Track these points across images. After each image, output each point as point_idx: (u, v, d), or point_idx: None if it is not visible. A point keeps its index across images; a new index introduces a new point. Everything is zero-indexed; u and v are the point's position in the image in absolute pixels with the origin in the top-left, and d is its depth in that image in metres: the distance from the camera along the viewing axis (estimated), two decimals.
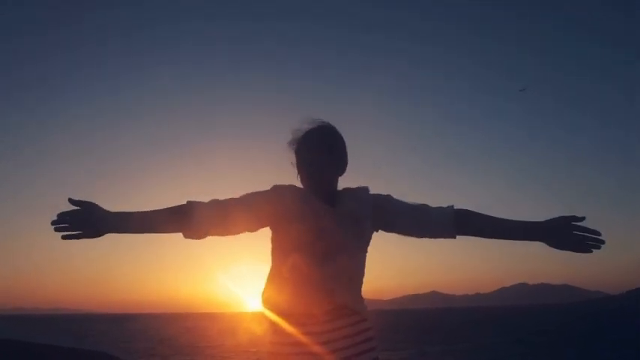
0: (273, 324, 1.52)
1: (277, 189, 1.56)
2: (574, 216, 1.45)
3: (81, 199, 1.42)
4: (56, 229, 1.40)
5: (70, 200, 1.41)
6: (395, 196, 1.58)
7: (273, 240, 1.56)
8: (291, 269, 1.48)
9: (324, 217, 1.50)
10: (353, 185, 1.61)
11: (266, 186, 1.58)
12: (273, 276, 1.55)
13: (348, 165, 1.60)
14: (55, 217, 1.40)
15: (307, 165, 1.53)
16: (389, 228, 1.57)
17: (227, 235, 1.53)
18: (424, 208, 1.54)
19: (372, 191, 1.59)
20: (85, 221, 1.41)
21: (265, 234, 1.59)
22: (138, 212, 1.47)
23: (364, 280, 1.57)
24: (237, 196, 1.54)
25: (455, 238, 1.54)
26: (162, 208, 1.49)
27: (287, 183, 1.58)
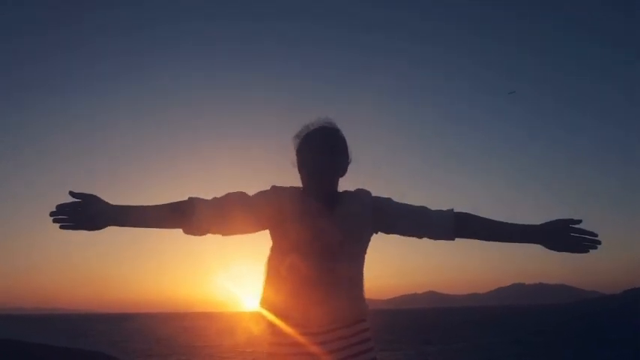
0: (270, 324, 1.52)
1: (277, 190, 1.56)
2: (571, 219, 1.50)
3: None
4: (54, 221, 1.39)
5: (71, 193, 1.40)
6: (395, 198, 1.60)
7: (272, 240, 1.57)
8: (289, 269, 1.49)
9: (323, 218, 1.50)
10: (354, 186, 1.61)
11: (266, 185, 1.58)
12: (271, 276, 1.55)
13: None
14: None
15: (308, 166, 1.53)
16: (389, 230, 1.58)
17: (226, 234, 1.53)
18: (424, 210, 1.56)
19: (373, 193, 1.60)
20: (84, 213, 1.40)
21: (264, 233, 1.59)
22: (139, 206, 1.48)
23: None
24: (237, 192, 1.55)
25: (454, 240, 1.57)
26: (163, 203, 1.50)
27: (287, 182, 1.59)
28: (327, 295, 1.48)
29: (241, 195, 1.54)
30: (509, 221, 1.57)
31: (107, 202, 1.44)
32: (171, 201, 1.51)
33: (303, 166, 1.54)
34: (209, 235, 1.53)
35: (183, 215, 1.47)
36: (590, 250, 1.49)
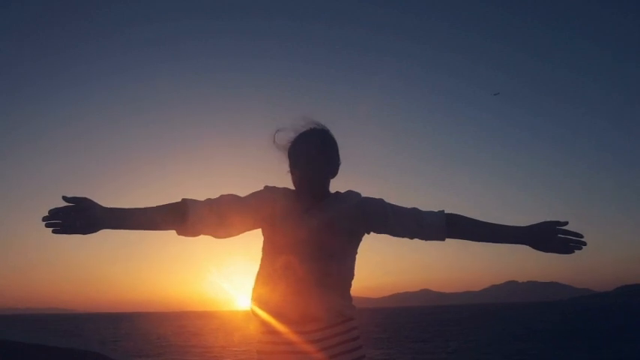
0: (263, 323, 1.54)
1: (269, 190, 1.57)
2: (557, 221, 1.54)
3: (75, 195, 1.40)
4: (47, 226, 1.37)
5: (64, 198, 1.38)
6: (388, 199, 1.61)
7: (264, 240, 1.58)
8: (283, 269, 1.50)
9: (315, 218, 1.52)
10: (347, 187, 1.63)
11: (260, 186, 1.59)
12: (263, 275, 1.56)
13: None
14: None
15: (299, 167, 1.54)
16: (380, 231, 1.60)
17: (220, 237, 1.53)
18: (415, 211, 1.58)
19: (367, 193, 1.62)
20: (77, 218, 1.39)
21: (257, 233, 1.60)
22: (132, 209, 1.47)
23: (354, 280, 1.60)
24: (230, 194, 1.55)
25: (444, 240, 1.59)
26: (157, 205, 1.49)
27: (281, 184, 1.60)
28: (321, 295, 1.49)
29: (235, 197, 1.54)
30: (500, 222, 1.60)
31: (100, 205, 1.42)
32: (165, 202, 1.50)
33: (295, 168, 1.55)
34: (202, 235, 1.52)
35: (177, 217, 1.46)
36: (576, 251, 1.54)
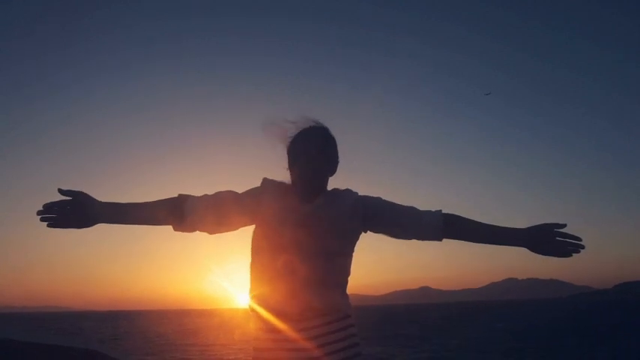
0: (262, 320, 1.53)
1: (267, 186, 1.56)
2: (556, 223, 1.52)
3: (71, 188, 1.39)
4: (42, 219, 1.36)
5: (60, 190, 1.38)
6: (387, 198, 1.60)
7: (260, 238, 1.56)
8: (282, 268, 1.49)
9: (313, 216, 1.51)
10: (346, 185, 1.62)
11: (258, 183, 1.58)
12: (262, 273, 1.55)
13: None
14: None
15: (298, 166, 1.52)
16: (377, 229, 1.59)
17: (215, 232, 1.53)
18: (413, 210, 1.57)
19: (366, 192, 1.61)
20: (73, 212, 1.38)
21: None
22: (128, 204, 1.46)
23: (350, 278, 1.60)
24: (227, 191, 1.55)
25: (441, 240, 1.58)
26: (153, 200, 1.49)
27: (279, 179, 1.58)
28: (321, 293, 1.49)
29: (233, 194, 1.54)
30: (500, 222, 1.60)
31: (96, 200, 1.42)
32: (161, 198, 1.50)
33: (294, 166, 1.53)
34: (203, 232, 1.53)
35: (174, 212, 1.46)
36: (573, 255, 1.51)
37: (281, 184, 1.57)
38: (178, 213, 1.46)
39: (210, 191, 1.54)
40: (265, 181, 1.58)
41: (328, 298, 1.50)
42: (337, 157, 1.59)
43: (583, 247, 1.51)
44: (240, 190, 1.57)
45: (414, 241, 1.61)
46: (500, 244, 1.57)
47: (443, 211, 1.57)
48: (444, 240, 1.59)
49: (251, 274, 1.57)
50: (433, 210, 1.57)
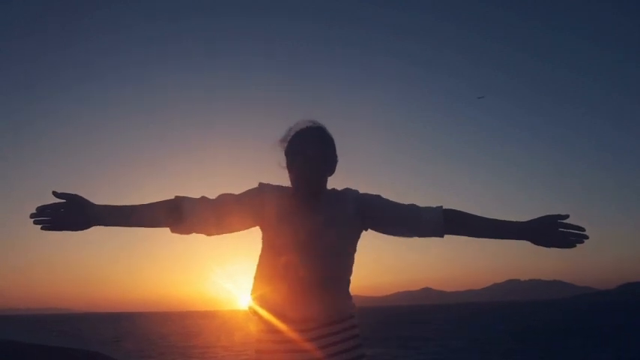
0: (264, 322, 1.53)
1: (265, 188, 1.56)
2: (559, 214, 1.50)
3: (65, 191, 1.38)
4: (35, 222, 1.35)
5: (54, 193, 1.36)
6: (386, 196, 1.60)
7: (263, 239, 1.57)
8: (284, 270, 1.49)
9: (313, 217, 1.51)
10: (345, 184, 1.61)
11: (257, 182, 1.57)
12: (264, 275, 1.55)
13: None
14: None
15: (296, 166, 1.52)
16: (377, 227, 1.58)
17: (213, 234, 1.52)
18: (413, 208, 1.56)
19: (365, 191, 1.60)
20: (67, 215, 1.37)
21: (257, 232, 1.59)
22: (125, 206, 1.45)
23: (352, 278, 1.59)
24: (227, 194, 1.54)
25: (442, 237, 1.56)
26: (150, 202, 1.48)
27: (277, 182, 1.58)
28: (322, 294, 1.49)
29: (233, 197, 1.53)
30: (501, 217, 1.56)
31: (91, 202, 1.40)
32: (158, 200, 1.49)
33: (292, 167, 1.53)
34: (204, 234, 1.51)
35: (172, 215, 1.45)
36: (577, 245, 1.48)
37: (279, 186, 1.57)
38: (177, 214, 1.45)
39: (210, 193, 1.53)
40: (262, 183, 1.57)
41: (331, 299, 1.50)
42: (335, 156, 1.58)
43: (586, 237, 1.48)
44: (240, 192, 1.56)
45: (415, 241, 1.60)
46: (502, 238, 1.55)
47: (443, 207, 1.56)
48: (447, 239, 1.57)
49: (254, 275, 1.57)
50: (434, 206, 1.56)
